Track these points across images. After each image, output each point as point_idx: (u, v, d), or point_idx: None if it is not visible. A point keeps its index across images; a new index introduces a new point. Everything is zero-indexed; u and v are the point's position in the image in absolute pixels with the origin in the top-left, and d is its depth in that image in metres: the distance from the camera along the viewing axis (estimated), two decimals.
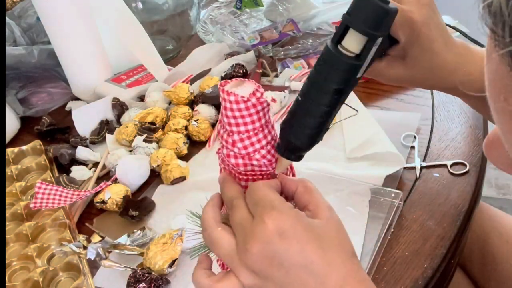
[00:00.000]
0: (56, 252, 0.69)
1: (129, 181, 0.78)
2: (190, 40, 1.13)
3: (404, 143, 0.78)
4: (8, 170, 0.84)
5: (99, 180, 0.82)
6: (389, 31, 0.45)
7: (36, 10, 0.94)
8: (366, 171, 0.73)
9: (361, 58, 0.42)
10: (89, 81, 0.98)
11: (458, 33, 1.01)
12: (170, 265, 0.63)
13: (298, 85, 0.93)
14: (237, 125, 0.45)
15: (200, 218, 0.47)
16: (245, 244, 0.42)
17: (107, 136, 0.89)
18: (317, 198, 0.46)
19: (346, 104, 0.47)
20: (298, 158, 0.47)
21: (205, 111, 0.89)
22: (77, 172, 0.83)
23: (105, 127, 0.91)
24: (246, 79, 0.46)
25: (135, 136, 0.86)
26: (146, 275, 0.62)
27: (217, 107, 0.90)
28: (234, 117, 0.45)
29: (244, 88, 0.45)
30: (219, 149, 0.48)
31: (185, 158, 0.83)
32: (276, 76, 0.97)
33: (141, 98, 0.98)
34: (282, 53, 1.05)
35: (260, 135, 0.46)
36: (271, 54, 1.03)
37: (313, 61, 1.01)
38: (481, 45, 0.62)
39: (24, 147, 0.88)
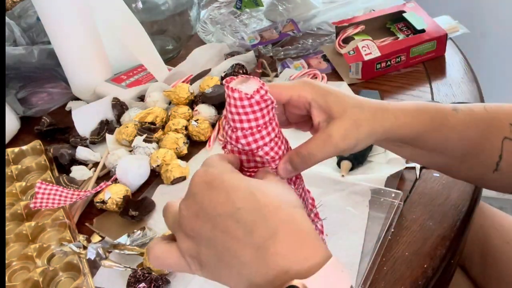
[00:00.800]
0: (56, 252, 0.69)
1: (129, 181, 0.78)
2: (190, 40, 1.13)
3: None
4: (8, 170, 0.84)
5: (99, 180, 0.82)
6: None
7: (36, 10, 0.94)
8: (367, 173, 0.73)
9: None
10: (89, 81, 0.98)
11: (459, 32, 1.01)
12: None
13: None
14: (241, 121, 0.45)
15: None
16: (179, 206, 0.41)
17: (107, 136, 0.89)
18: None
19: None
20: None
21: (205, 111, 0.89)
22: (77, 172, 0.83)
23: (105, 127, 0.91)
24: (252, 77, 0.47)
25: (135, 136, 0.86)
26: (146, 275, 0.62)
27: (217, 107, 0.90)
28: (238, 114, 0.45)
29: (249, 85, 0.46)
30: (224, 144, 0.49)
31: (185, 158, 0.83)
32: (276, 76, 0.97)
33: (141, 98, 0.98)
34: (282, 53, 1.05)
35: (264, 132, 0.46)
36: (271, 54, 1.03)
37: (313, 61, 1.01)
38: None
39: (24, 147, 0.88)
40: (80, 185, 0.81)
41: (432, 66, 0.95)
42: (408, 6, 1.03)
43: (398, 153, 0.60)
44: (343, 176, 0.72)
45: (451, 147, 0.55)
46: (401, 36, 0.98)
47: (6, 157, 0.87)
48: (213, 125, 0.89)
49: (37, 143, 0.89)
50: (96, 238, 0.70)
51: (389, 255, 0.62)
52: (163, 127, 0.89)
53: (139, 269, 0.64)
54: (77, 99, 1.01)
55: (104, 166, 0.84)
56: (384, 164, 0.75)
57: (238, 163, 0.48)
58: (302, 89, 0.50)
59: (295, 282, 0.35)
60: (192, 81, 0.98)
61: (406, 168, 0.73)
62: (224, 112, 0.48)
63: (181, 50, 1.13)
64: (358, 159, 0.74)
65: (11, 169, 0.84)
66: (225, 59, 1.03)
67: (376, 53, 0.93)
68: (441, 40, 0.96)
